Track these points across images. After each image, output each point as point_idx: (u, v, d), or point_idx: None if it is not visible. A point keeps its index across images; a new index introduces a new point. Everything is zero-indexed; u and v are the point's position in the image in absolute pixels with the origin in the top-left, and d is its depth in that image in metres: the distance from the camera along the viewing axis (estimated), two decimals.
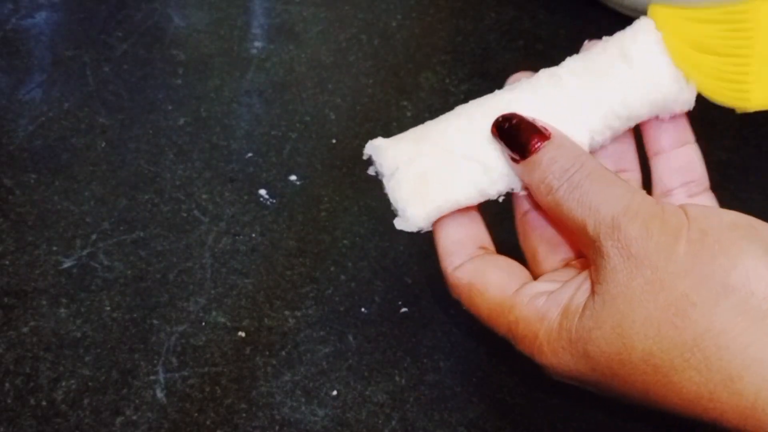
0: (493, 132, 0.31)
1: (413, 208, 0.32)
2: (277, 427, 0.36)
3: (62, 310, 0.39)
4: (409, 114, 0.52)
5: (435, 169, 0.31)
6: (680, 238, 0.26)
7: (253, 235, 0.43)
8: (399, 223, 0.32)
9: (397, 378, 0.38)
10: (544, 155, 0.30)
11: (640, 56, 0.32)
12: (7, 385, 0.36)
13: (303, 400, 0.37)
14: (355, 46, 0.56)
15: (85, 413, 0.35)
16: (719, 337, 0.25)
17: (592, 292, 0.27)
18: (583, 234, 0.28)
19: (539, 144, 0.30)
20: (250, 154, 0.48)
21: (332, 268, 0.42)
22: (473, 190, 0.32)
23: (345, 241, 0.43)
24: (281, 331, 0.39)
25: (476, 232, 0.32)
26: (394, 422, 0.37)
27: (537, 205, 0.32)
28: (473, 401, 0.37)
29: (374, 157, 0.33)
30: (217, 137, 0.49)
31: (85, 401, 0.36)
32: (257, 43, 0.56)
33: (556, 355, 0.28)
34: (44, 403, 0.36)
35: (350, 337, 0.39)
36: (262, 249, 0.43)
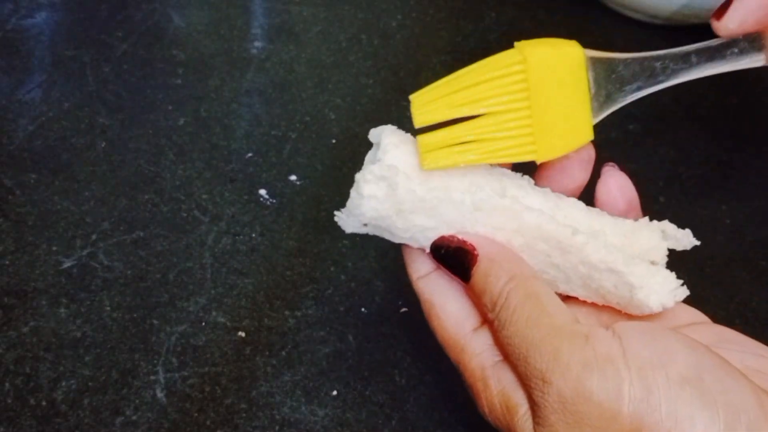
0: (431, 257, 0.30)
1: (356, 226, 0.31)
2: (277, 427, 0.36)
3: (62, 310, 0.39)
4: (409, 114, 0.52)
5: (396, 226, 0.30)
6: (622, 396, 0.24)
7: (253, 235, 0.43)
8: (339, 216, 0.31)
9: (397, 378, 0.38)
10: (476, 284, 0.29)
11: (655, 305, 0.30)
12: (7, 385, 0.36)
13: (303, 400, 0.37)
14: (355, 46, 0.56)
15: (85, 413, 0.35)
16: None
17: (533, 422, 0.26)
18: (517, 372, 0.27)
19: (470, 271, 0.29)
20: (250, 154, 0.48)
21: (332, 268, 0.42)
22: (425, 244, 0.31)
23: (345, 241, 0.43)
24: (281, 331, 0.39)
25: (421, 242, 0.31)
26: (394, 422, 0.37)
27: None
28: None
29: (379, 143, 0.31)
30: (217, 137, 0.49)
31: (85, 401, 0.36)
32: (257, 43, 0.56)
33: (495, 422, 0.28)
34: (44, 403, 0.36)
35: (350, 337, 0.39)
36: (262, 249, 0.43)
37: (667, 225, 0.32)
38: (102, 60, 0.53)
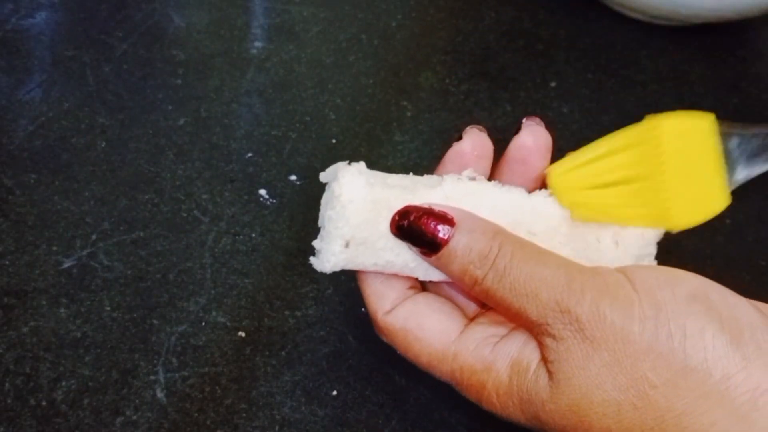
0: (393, 232, 0.28)
1: (336, 253, 0.29)
2: (277, 427, 0.36)
3: (62, 310, 0.39)
4: (409, 114, 0.52)
5: (378, 234, 0.29)
6: (633, 317, 0.25)
7: (253, 235, 0.43)
8: (317, 252, 0.30)
9: (397, 378, 0.38)
10: (457, 244, 0.27)
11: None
12: (7, 385, 0.36)
13: (303, 400, 0.37)
14: (355, 46, 0.56)
15: (85, 413, 0.35)
16: (681, 418, 0.24)
17: (546, 368, 0.26)
18: (524, 319, 0.27)
19: (447, 234, 0.27)
20: (250, 154, 0.48)
21: None
22: (405, 270, 0.30)
23: None
24: (281, 331, 0.39)
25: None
26: (394, 422, 0.37)
27: None
28: (477, 401, 0.37)
29: (333, 180, 0.30)
30: (217, 137, 0.49)
31: (85, 401, 0.36)
32: (257, 43, 0.56)
33: (505, 408, 0.28)
34: (44, 403, 0.36)
35: (350, 337, 0.39)
36: (262, 249, 0.43)
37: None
38: (102, 60, 0.53)
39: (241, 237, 0.43)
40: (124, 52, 0.54)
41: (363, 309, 0.41)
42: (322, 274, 0.42)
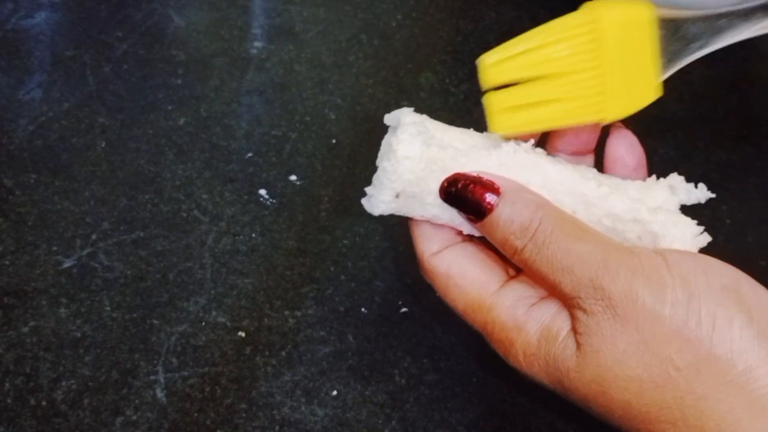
0: (442, 197, 0.29)
1: (387, 201, 0.30)
2: (277, 427, 0.36)
3: (62, 310, 0.39)
4: None
5: (428, 191, 0.30)
6: (666, 300, 0.25)
7: (253, 235, 0.43)
8: (368, 196, 0.31)
9: (397, 378, 0.38)
10: (500, 214, 0.28)
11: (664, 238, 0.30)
12: (7, 385, 0.36)
13: (303, 400, 0.37)
14: (355, 46, 0.56)
15: (85, 413, 0.35)
16: (699, 402, 0.25)
17: (575, 339, 0.27)
18: (558, 291, 0.27)
19: (492, 202, 0.28)
20: (250, 154, 0.48)
21: (332, 268, 0.42)
22: (452, 224, 0.31)
23: (345, 241, 0.43)
24: (281, 331, 0.39)
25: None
26: (394, 422, 0.37)
27: None
28: (473, 401, 0.37)
29: (393, 133, 0.31)
30: (217, 137, 0.49)
31: (85, 401, 0.36)
32: (257, 43, 0.56)
33: (530, 368, 0.28)
34: (44, 403, 0.36)
35: (350, 337, 0.39)
36: (262, 249, 0.43)
37: (674, 179, 0.32)
38: (102, 60, 0.53)
39: (241, 237, 0.43)
40: (124, 52, 0.54)
41: (363, 309, 0.41)
42: (323, 274, 0.42)
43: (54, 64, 0.52)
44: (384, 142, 0.31)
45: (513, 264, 0.31)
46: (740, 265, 0.45)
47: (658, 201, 0.31)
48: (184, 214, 0.44)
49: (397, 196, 0.30)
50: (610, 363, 0.26)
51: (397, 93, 0.53)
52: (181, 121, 0.49)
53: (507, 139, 0.31)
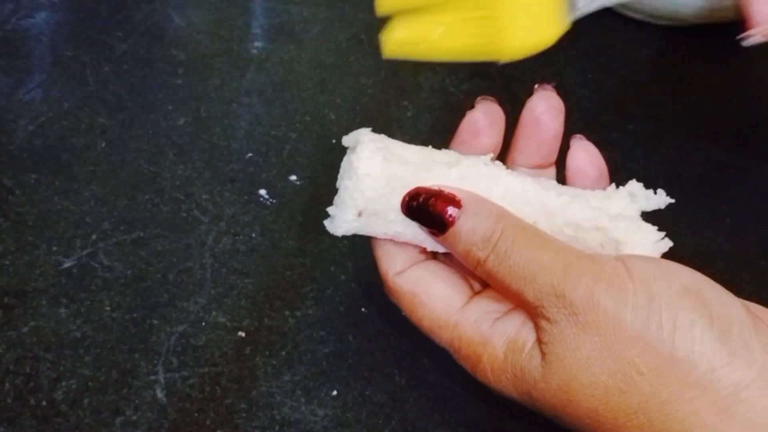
0: (404, 212, 0.29)
1: (349, 220, 0.30)
2: (277, 427, 0.36)
3: (62, 310, 0.39)
4: (409, 114, 0.52)
5: (390, 207, 0.30)
6: (627, 305, 0.25)
7: (253, 235, 0.43)
8: (331, 217, 0.31)
9: (397, 378, 0.38)
10: (462, 226, 0.28)
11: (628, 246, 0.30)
12: (7, 385, 0.36)
13: (303, 400, 0.37)
14: (355, 46, 0.56)
15: (85, 413, 0.35)
16: (664, 405, 0.25)
17: (540, 349, 0.27)
18: (522, 301, 0.28)
19: (453, 215, 0.29)
20: (250, 154, 0.48)
21: (332, 268, 0.42)
22: (415, 240, 0.31)
23: (345, 241, 0.43)
24: (281, 331, 0.39)
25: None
26: (394, 422, 0.37)
27: None
28: (473, 401, 0.37)
29: (353, 151, 0.31)
30: (217, 137, 0.49)
31: (85, 401, 0.36)
32: (257, 43, 0.56)
33: (498, 382, 0.28)
34: (44, 403, 0.36)
35: (350, 337, 0.39)
36: (262, 249, 0.43)
37: (634, 185, 0.32)
38: (102, 60, 0.53)
39: (241, 237, 0.43)
40: (124, 52, 0.54)
41: (363, 309, 0.41)
42: (323, 274, 0.42)
43: (54, 64, 0.52)
44: (344, 163, 0.31)
45: (477, 279, 0.31)
46: (740, 265, 0.45)
47: (619, 208, 0.31)
48: (184, 214, 0.44)
49: (360, 214, 0.30)
50: (574, 371, 0.26)
51: (397, 93, 0.53)
52: (181, 121, 0.49)
53: (466, 153, 0.32)
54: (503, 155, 0.33)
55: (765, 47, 0.64)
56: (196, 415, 0.36)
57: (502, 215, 0.29)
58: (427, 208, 0.29)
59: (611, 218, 0.30)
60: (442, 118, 0.52)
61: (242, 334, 0.39)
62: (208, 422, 0.36)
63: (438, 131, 0.51)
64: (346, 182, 0.30)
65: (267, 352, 0.38)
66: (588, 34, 0.61)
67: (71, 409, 0.36)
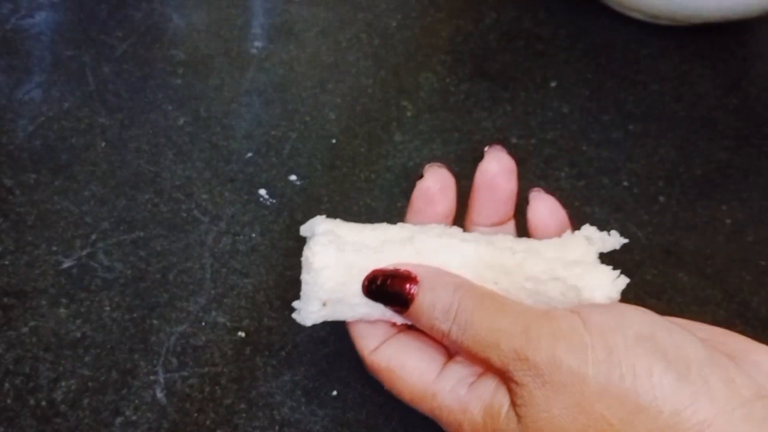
0: (366, 295, 0.31)
1: (315, 311, 0.31)
2: (277, 427, 0.36)
3: (62, 310, 0.39)
4: (409, 114, 0.52)
5: (352, 293, 0.31)
6: (587, 360, 0.26)
7: (253, 235, 0.43)
8: (297, 311, 0.32)
9: None
10: (422, 302, 0.30)
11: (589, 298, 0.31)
12: (7, 385, 0.36)
13: (303, 400, 0.37)
14: (355, 46, 0.56)
15: (85, 413, 0.35)
16: None
17: (515, 412, 0.28)
18: (491, 367, 0.28)
19: (412, 291, 0.30)
20: (250, 154, 0.48)
21: None
22: (384, 317, 0.32)
23: None
24: (281, 331, 0.39)
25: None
26: (394, 422, 0.37)
27: None
28: None
29: (307, 247, 0.32)
30: (217, 137, 0.49)
31: (85, 401, 0.36)
32: (257, 43, 0.56)
33: None
34: (44, 403, 0.36)
35: (350, 338, 0.39)
36: (262, 249, 0.43)
37: (588, 229, 0.33)
38: (102, 60, 0.53)
39: (241, 237, 0.43)
40: (124, 52, 0.54)
41: None
42: None
43: (54, 64, 0.52)
44: (303, 256, 0.32)
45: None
46: (740, 265, 0.45)
47: (577, 254, 0.32)
48: (184, 214, 0.44)
49: (325, 304, 0.31)
50: (550, 430, 0.27)
51: (397, 93, 0.53)
52: (181, 121, 0.49)
53: (422, 223, 0.33)
54: (460, 218, 0.34)
55: (766, 47, 0.64)
56: (196, 415, 0.36)
57: (459, 285, 0.30)
58: (386, 289, 0.30)
59: (566, 266, 0.30)
60: (442, 118, 0.52)
61: (242, 334, 0.39)
62: (208, 422, 0.36)
63: (438, 131, 0.51)
64: (305, 276, 0.31)
65: (267, 352, 0.38)
66: (588, 34, 0.61)
67: (71, 409, 0.36)
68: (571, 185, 0.48)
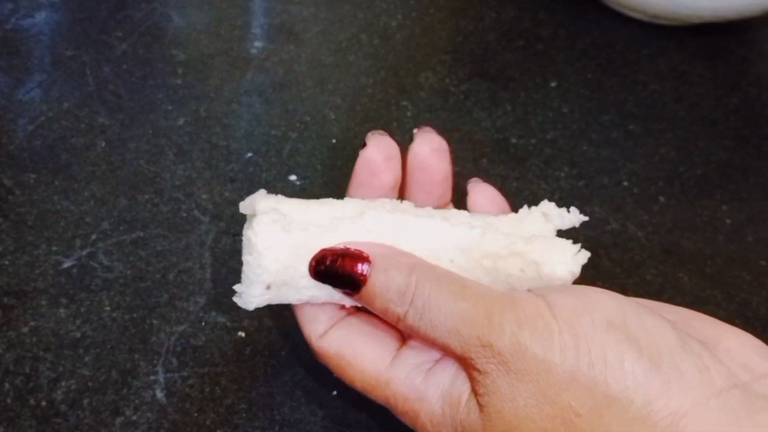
0: (313, 277, 0.29)
1: (259, 295, 0.30)
2: (277, 427, 0.36)
3: (62, 310, 0.39)
4: (409, 114, 0.52)
5: (299, 275, 0.29)
6: (554, 347, 0.25)
7: None
8: (238, 294, 0.30)
9: None
10: (375, 284, 0.27)
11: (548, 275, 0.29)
12: (7, 385, 0.36)
13: (303, 400, 0.37)
14: (355, 46, 0.56)
15: (85, 413, 0.35)
16: None
17: (477, 401, 0.26)
18: (450, 353, 0.27)
19: (364, 272, 0.28)
20: (250, 154, 0.48)
21: None
22: (332, 300, 0.30)
23: None
24: (281, 331, 0.39)
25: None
26: (394, 422, 0.37)
27: None
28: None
29: (248, 227, 0.30)
30: (217, 137, 0.49)
31: (85, 401, 0.36)
32: (257, 43, 0.56)
33: None
34: (44, 403, 0.36)
35: None
36: None
37: (546, 206, 0.31)
38: (102, 60, 0.53)
39: (241, 237, 0.43)
40: (124, 52, 0.54)
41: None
42: None
43: (54, 64, 0.52)
44: (244, 233, 0.30)
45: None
46: (740, 265, 0.45)
47: (533, 230, 0.31)
48: (184, 214, 0.44)
49: (269, 287, 0.29)
50: (514, 421, 0.25)
51: (397, 93, 0.53)
52: (181, 121, 0.49)
53: (367, 197, 0.31)
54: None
55: (765, 47, 0.64)
56: (196, 415, 0.36)
57: (414, 266, 0.28)
58: (335, 270, 0.28)
59: (526, 241, 0.29)
60: (442, 118, 0.52)
61: (242, 334, 0.39)
62: (208, 422, 0.36)
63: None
64: (247, 258, 0.29)
65: (267, 352, 0.38)
66: (588, 34, 0.61)
67: (71, 409, 0.36)
68: (571, 185, 0.48)
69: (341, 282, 0.28)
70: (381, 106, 0.52)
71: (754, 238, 0.46)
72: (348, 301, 0.30)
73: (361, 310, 0.31)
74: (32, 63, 0.52)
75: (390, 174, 0.31)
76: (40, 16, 0.56)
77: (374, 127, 0.51)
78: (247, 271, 0.29)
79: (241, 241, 0.43)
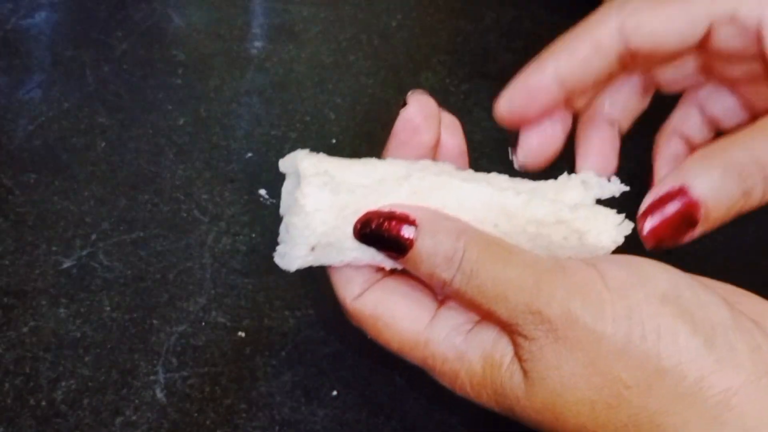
0: (358, 239, 0.28)
1: (302, 256, 0.29)
2: (277, 427, 0.36)
3: (62, 310, 0.39)
4: None
5: (345, 236, 0.28)
6: (606, 317, 0.24)
7: (253, 235, 0.43)
8: (280, 254, 0.30)
9: (397, 378, 0.38)
10: (422, 248, 0.27)
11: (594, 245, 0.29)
12: (7, 385, 0.36)
13: (303, 400, 0.37)
14: (355, 46, 0.56)
15: (85, 413, 0.35)
16: (654, 417, 0.24)
17: (521, 366, 0.26)
18: (495, 318, 0.26)
19: (410, 236, 0.27)
20: (250, 154, 0.48)
21: None
22: (374, 262, 0.29)
23: None
24: (281, 331, 0.39)
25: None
26: (394, 422, 0.37)
27: None
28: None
29: (296, 187, 0.29)
30: (217, 137, 0.49)
31: (85, 401, 0.36)
32: (257, 43, 0.56)
33: (479, 397, 0.28)
34: (44, 403, 0.36)
35: (350, 337, 0.39)
36: (262, 249, 0.43)
37: (586, 174, 0.31)
38: (102, 60, 0.53)
39: (241, 237, 0.43)
40: (123, 52, 0.54)
41: None
42: (322, 274, 0.42)
43: (54, 64, 0.52)
44: (284, 192, 0.30)
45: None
46: (740, 265, 0.45)
47: (574, 198, 0.30)
48: (184, 214, 0.44)
49: (313, 249, 0.29)
50: (559, 389, 0.25)
51: (397, 93, 0.53)
52: (181, 121, 0.49)
53: (408, 157, 0.30)
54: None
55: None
56: (196, 415, 0.36)
57: (462, 231, 0.27)
58: (381, 233, 0.28)
59: (571, 209, 0.29)
60: None
61: (242, 334, 0.39)
62: (208, 422, 0.36)
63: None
64: (294, 219, 0.29)
65: (267, 352, 0.38)
66: None
67: (71, 409, 0.36)
68: None
69: (386, 245, 0.28)
70: (381, 106, 0.52)
71: (754, 238, 0.46)
72: (390, 264, 0.29)
73: (396, 272, 0.30)
74: (32, 63, 0.52)
75: (431, 133, 0.31)
76: (40, 16, 0.56)
77: (374, 127, 0.51)
78: (292, 232, 0.29)
79: (240, 240, 0.43)
